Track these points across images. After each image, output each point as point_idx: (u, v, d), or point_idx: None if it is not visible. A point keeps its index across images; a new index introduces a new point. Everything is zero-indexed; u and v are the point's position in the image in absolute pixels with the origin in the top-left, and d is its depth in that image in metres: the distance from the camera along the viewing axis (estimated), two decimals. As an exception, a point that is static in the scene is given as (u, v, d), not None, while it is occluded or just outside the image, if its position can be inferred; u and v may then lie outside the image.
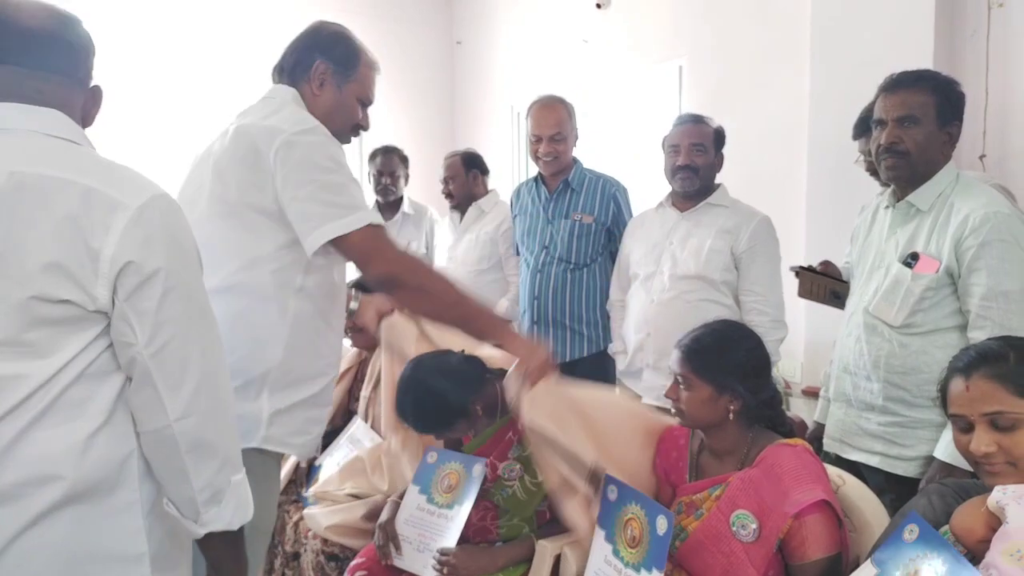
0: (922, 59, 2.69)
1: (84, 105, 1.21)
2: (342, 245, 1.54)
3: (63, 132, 1.13)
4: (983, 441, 1.23)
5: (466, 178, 3.33)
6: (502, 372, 1.85)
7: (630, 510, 1.57)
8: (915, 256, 1.80)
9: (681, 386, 1.66)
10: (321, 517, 2.38)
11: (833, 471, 1.69)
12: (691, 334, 1.72)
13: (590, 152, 3.70)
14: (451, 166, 3.36)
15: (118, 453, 1.11)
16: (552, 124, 2.80)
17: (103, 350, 1.09)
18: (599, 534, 1.64)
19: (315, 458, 2.65)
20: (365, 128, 1.81)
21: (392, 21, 5.38)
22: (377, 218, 1.58)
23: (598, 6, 4.24)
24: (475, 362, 1.95)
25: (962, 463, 1.60)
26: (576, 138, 2.88)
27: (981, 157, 2.65)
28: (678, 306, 2.43)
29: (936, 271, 1.75)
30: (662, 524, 1.49)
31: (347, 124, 1.76)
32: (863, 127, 2.31)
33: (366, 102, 1.79)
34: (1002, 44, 2.61)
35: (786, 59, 3.26)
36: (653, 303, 2.49)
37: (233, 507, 1.19)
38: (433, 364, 1.93)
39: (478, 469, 1.74)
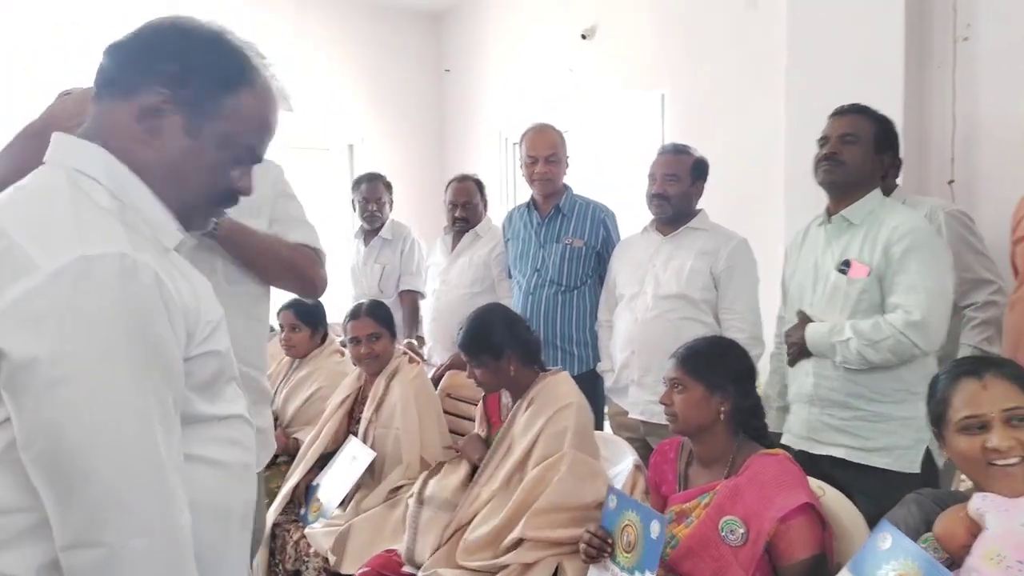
0: (892, 89, 2.83)
1: (150, 112, 0.99)
2: None
3: (85, 167, 0.96)
4: (1005, 436, 1.28)
5: (480, 202, 3.43)
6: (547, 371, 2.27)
7: (627, 517, 1.66)
8: (847, 263, 2.04)
9: (675, 390, 1.77)
10: (321, 538, 2.45)
11: (814, 483, 1.79)
12: (685, 345, 1.86)
13: (576, 177, 3.82)
14: (466, 190, 3.38)
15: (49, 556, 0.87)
16: (547, 145, 2.94)
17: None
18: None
19: (313, 479, 2.72)
20: None
21: (381, 49, 5.51)
22: None
23: (583, 37, 4.38)
24: (536, 342, 2.31)
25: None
26: (567, 165, 3.01)
27: (950, 182, 2.79)
28: (661, 324, 2.54)
29: (867, 275, 2.00)
30: (655, 528, 1.58)
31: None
32: None
33: None
34: (968, 75, 2.76)
35: (763, 88, 3.41)
36: (637, 322, 2.60)
37: None
38: (504, 312, 2.39)
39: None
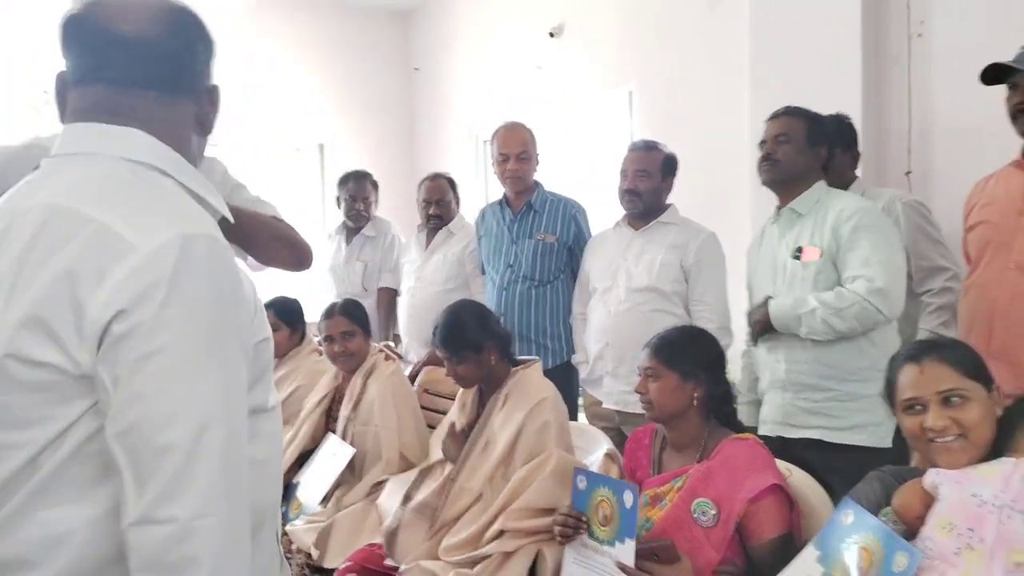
0: (851, 84, 2.93)
1: (198, 115, 1.06)
2: None
3: (142, 155, 0.98)
4: (939, 416, 1.38)
5: (453, 200, 3.47)
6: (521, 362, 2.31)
7: (600, 493, 1.72)
8: (800, 250, 2.17)
9: (650, 378, 1.83)
10: (303, 534, 2.48)
11: (782, 464, 1.87)
12: (658, 335, 1.92)
13: (546, 174, 3.86)
14: (439, 188, 3.43)
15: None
16: (518, 143, 3.00)
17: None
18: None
19: (292, 477, 2.74)
20: None
21: (349, 48, 5.53)
22: None
23: (551, 35, 4.44)
24: (508, 334, 2.36)
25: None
26: (538, 163, 3.06)
27: (907, 173, 2.89)
28: (634, 316, 2.61)
29: (819, 256, 2.13)
30: (628, 498, 1.65)
31: None
32: None
33: None
34: (923, 70, 2.86)
35: (727, 85, 3.49)
36: (611, 314, 2.67)
37: None
38: (476, 306, 2.42)
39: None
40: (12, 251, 0.89)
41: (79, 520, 0.88)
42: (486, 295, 3.10)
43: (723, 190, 3.52)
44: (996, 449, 1.36)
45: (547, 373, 2.90)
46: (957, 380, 1.39)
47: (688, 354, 1.84)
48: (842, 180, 2.59)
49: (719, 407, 1.84)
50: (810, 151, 2.22)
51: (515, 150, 2.97)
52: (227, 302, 0.91)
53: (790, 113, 2.26)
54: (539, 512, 1.99)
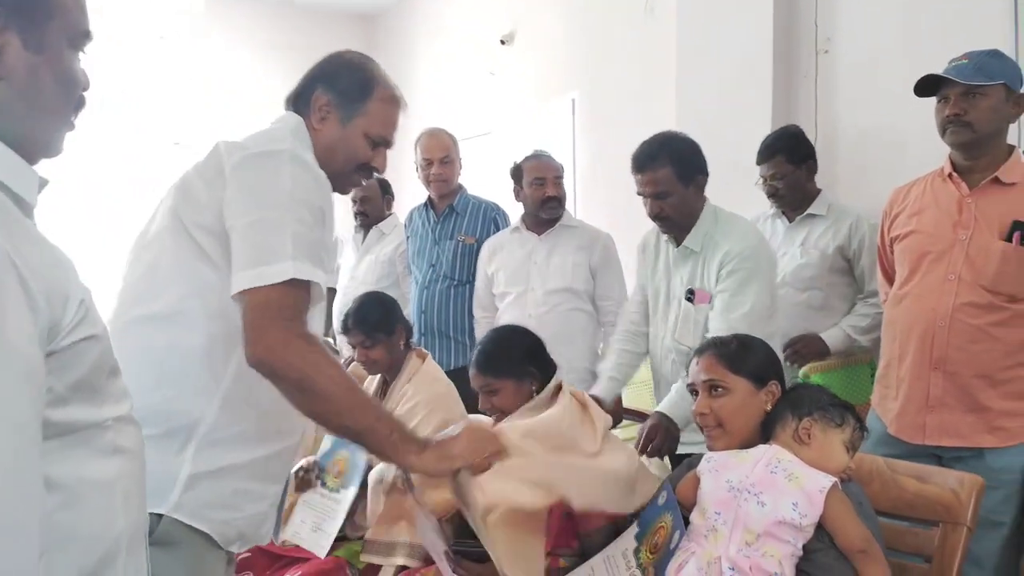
0: (763, 96, 3.04)
1: None
2: (245, 301, 1.22)
3: None
4: (700, 404, 1.54)
5: (381, 201, 3.58)
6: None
7: (664, 519, 1.56)
8: (692, 292, 2.18)
9: (490, 395, 1.82)
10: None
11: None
12: (478, 350, 1.88)
13: (496, 177, 3.98)
14: (368, 187, 3.51)
15: None
16: (441, 148, 3.12)
17: None
18: (632, 528, 1.62)
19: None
20: (379, 171, 1.55)
21: (313, 51, 5.51)
22: (307, 275, 1.24)
23: (502, 42, 4.56)
24: (410, 325, 2.48)
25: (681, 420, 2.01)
26: (461, 166, 3.18)
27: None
28: (554, 317, 2.75)
29: (709, 301, 2.15)
30: (675, 538, 1.52)
31: (350, 164, 1.49)
32: (767, 153, 2.63)
33: (379, 141, 1.51)
34: (828, 85, 2.97)
35: (658, 93, 3.60)
36: (531, 317, 2.76)
37: None
38: (380, 294, 2.57)
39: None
40: None
41: None
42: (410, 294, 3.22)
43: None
44: (765, 438, 1.48)
45: (462, 370, 3.04)
46: (720, 373, 1.52)
47: (513, 355, 1.82)
48: (804, 194, 2.62)
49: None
50: (687, 189, 2.14)
51: (438, 155, 3.09)
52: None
53: (654, 162, 2.12)
54: None
